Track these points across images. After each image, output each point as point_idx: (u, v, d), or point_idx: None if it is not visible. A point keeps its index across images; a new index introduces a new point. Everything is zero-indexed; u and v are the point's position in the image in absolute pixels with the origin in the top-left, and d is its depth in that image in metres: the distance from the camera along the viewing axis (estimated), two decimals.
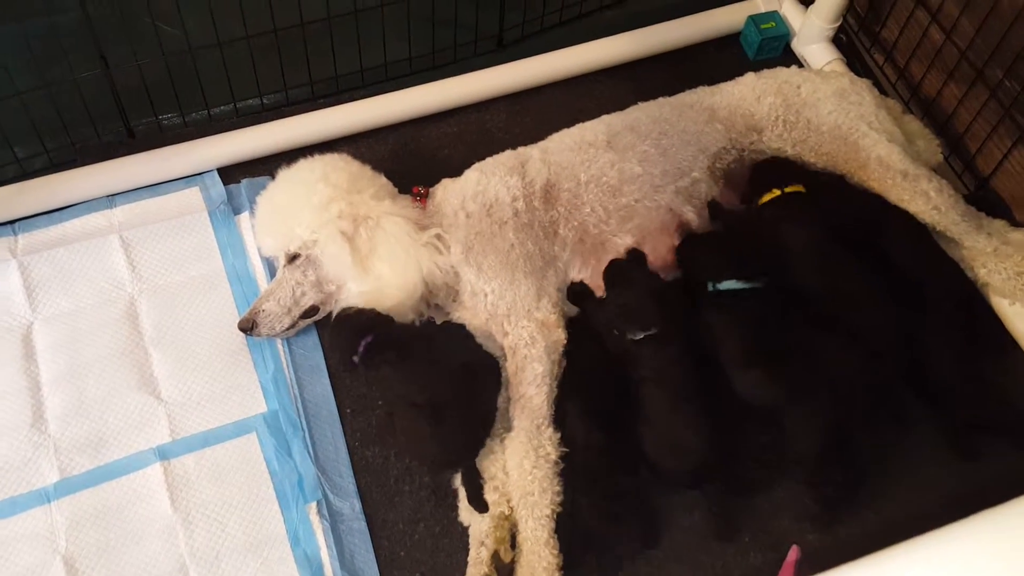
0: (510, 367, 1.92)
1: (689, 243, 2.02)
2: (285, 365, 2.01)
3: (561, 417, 1.86)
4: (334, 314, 1.98)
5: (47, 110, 2.16)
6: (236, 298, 2.10)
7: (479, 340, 1.98)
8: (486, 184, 2.03)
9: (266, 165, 2.26)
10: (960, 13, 2.23)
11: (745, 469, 1.86)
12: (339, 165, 2.03)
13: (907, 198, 2.05)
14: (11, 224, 2.17)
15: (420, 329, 1.99)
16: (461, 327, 1.96)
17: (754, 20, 2.56)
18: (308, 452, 1.90)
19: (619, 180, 2.04)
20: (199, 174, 2.28)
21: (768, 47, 2.56)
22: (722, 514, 1.82)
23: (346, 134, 2.35)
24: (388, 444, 1.93)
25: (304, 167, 2.03)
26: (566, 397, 1.88)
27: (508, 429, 1.86)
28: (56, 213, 2.19)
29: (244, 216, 2.22)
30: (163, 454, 1.89)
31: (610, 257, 2.02)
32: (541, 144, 2.14)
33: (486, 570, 1.73)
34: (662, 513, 1.85)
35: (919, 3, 2.36)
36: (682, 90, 2.25)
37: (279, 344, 2.04)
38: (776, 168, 2.12)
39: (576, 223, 2.02)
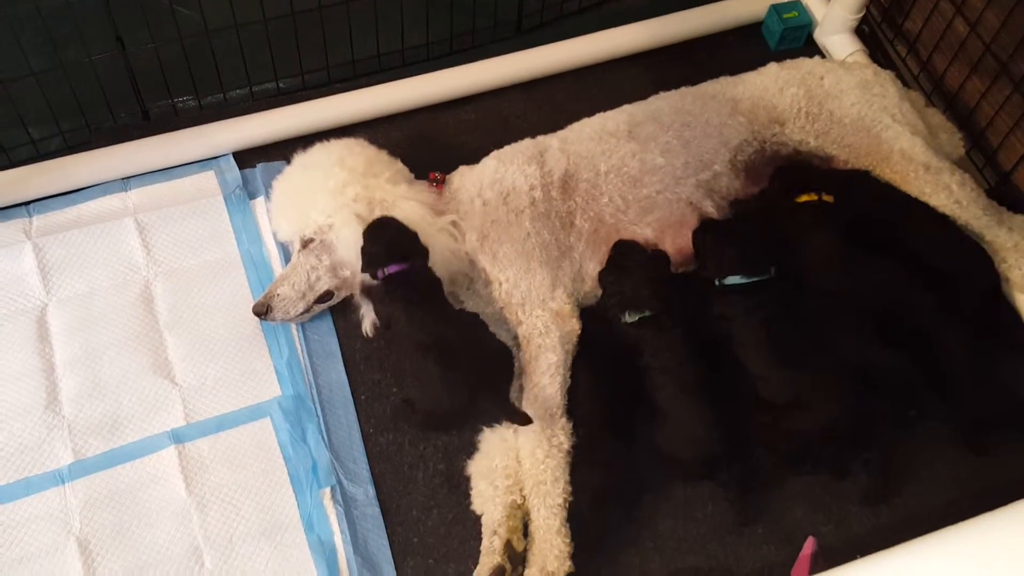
0: (523, 357, 1.91)
1: (702, 231, 1.99)
2: (300, 350, 2.01)
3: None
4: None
5: (63, 91, 2.16)
6: (251, 282, 2.09)
7: (492, 329, 1.98)
8: (504, 172, 2.02)
9: (282, 149, 2.25)
10: (985, 6, 2.20)
11: (758, 458, 1.85)
12: (355, 149, 2.02)
13: (929, 191, 2.04)
14: (26, 206, 2.17)
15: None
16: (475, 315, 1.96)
17: (776, 9, 2.53)
18: (322, 438, 1.90)
19: (640, 171, 2.02)
20: (214, 158, 2.27)
21: (790, 37, 2.54)
22: (738, 501, 1.81)
23: (362, 119, 2.34)
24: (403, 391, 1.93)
25: (320, 151, 2.03)
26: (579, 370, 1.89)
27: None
28: (71, 195, 2.19)
29: (259, 200, 2.21)
30: (177, 437, 1.89)
31: None
32: (561, 133, 2.13)
33: (499, 559, 1.73)
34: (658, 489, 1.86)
35: None
36: (702, 80, 2.24)
37: (294, 329, 2.03)
38: (809, 172, 2.10)
39: (593, 213, 2.01)
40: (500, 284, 1.95)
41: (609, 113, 2.15)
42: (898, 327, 1.88)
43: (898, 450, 1.91)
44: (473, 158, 2.11)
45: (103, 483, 1.84)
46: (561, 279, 1.97)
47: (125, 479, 1.84)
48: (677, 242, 2.02)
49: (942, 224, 2.03)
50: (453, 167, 2.11)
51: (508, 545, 1.74)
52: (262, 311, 1.96)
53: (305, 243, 1.98)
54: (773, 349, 1.82)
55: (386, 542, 1.80)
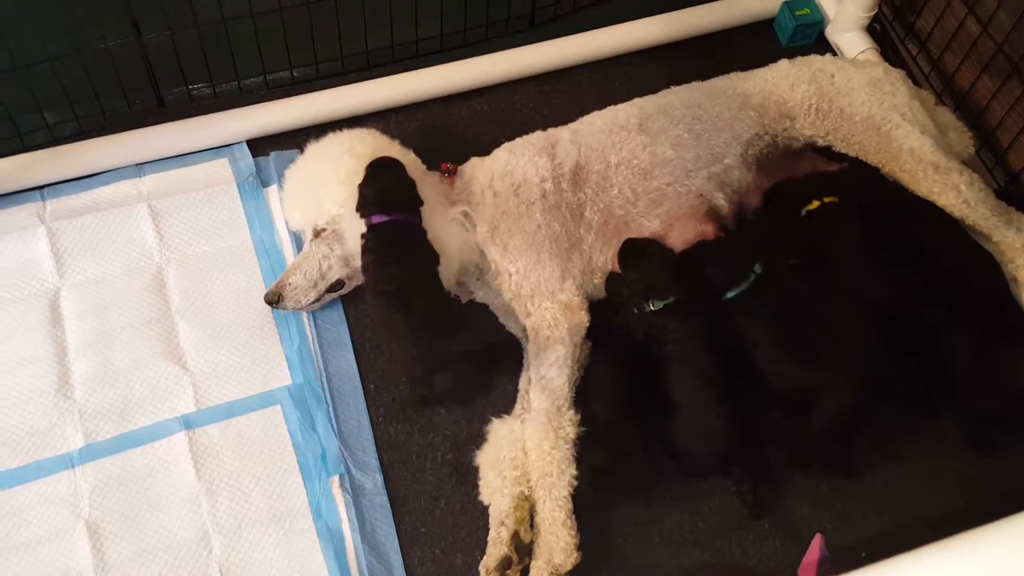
0: (532, 348, 1.92)
1: (692, 259, 1.99)
2: (310, 338, 2.02)
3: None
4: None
5: (78, 76, 2.16)
6: (263, 270, 2.10)
7: (501, 320, 1.99)
8: (515, 164, 2.02)
9: (295, 138, 2.25)
10: (998, 6, 2.20)
11: (768, 453, 1.86)
12: (367, 139, 2.03)
13: (937, 191, 2.04)
14: (40, 190, 2.17)
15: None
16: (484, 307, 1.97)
17: (789, 6, 2.53)
18: (332, 426, 1.91)
19: (650, 163, 2.03)
20: (228, 145, 2.27)
21: (802, 34, 2.54)
22: (750, 495, 1.83)
23: (375, 109, 2.34)
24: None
25: (332, 141, 2.03)
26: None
27: (527, 410, 1.87)
28: (85, 180, 2.20)
29: (272, 189, 2.22)
30: (188, 423, 1.90)
31: None
32: (572, 126, 2.13)
33: (506, 550, 1.74)
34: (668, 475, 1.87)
35: None
36: (714, 75, 2.24)
37: (304, 317, 2.04)
38: (805, 183, 2.11)
39: (603, 205, 2.01)
40: (510, 275, 1.96)
41: (620, 106, 2.15)
42: (908, 326, 1.89)
43: (905, 450, 1.92)
44: (485, 149, 2.11)
45: (113, 467, 1.85)
46: (571, 271, 1.97)
47: (135, 464, 1.85)
48: (685, 235, 2.03)
49: (949, 224, 2.04)
50: (465, 158, 2.12)
51: (515, 536, 1.75)
52: (274, 299, 1.97)
53: (317, 232, 1.99)
54: (783, 344, 1.83)
55: (394, 531, 1.81)
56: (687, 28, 2.52)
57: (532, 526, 1.78)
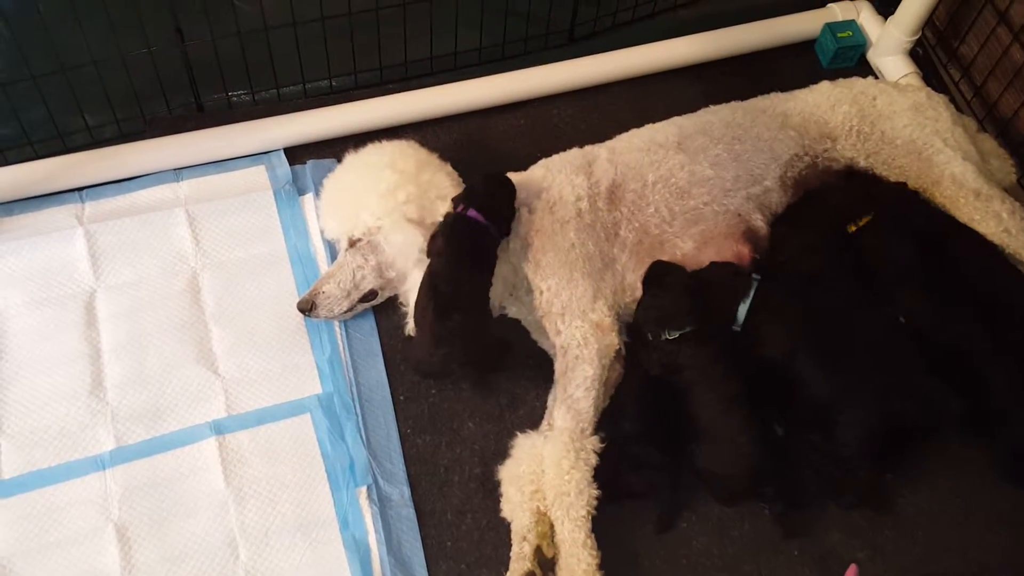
0: (559, 367, 1.91)
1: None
2: (342, 348, 2.02)
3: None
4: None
5: (120, 80, 2.18)
6: (296, 278, 2.10)
7: (533, 337, 1.99)
8: (551, 181, 2.02)
9: (332, 147, 2.26)
10: None
11: (802, 478, 1.84)
12: (407, 152, 2.03)
13: (978, 218, 2.03)
14: (79, 191, 2.19)
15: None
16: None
17: (831, 28, 2.52)
18: (360, 436, 1.91)
19: (688, 182, 2.02)
20: (265, 153, 2.28)
21: (843, 56, 2.52)
22: (784, 516, 1.81)
23: (412, 121, 2.35)
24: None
25: (372, 152, 2.04)
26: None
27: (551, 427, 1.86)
28: (123, 183, 2.21)
29: (308, 197, 2.22)
30: (218, 429, 1.90)
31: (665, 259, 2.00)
32: (609, 143, 2.12)
33: (529, 565, 1.73)
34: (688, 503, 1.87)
35: (1001, 20, 2.32)
36: (753, 95, 2.23)
37: (336, 327, 2.04)
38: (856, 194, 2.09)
39: (638, 224, 2.00)
40: (541, 292, 1.95)
41: (659, 124, 2.15)
42: (949, 354, 1.88)
43: (939, 480, 1.90)
44: (522, 164, 2.11)
45: (143, 471, 1.85)
46: (603, 291, 1.96)
47: (165, 468, 1.86)
48: (721, 255, 2.01)
49: (990, 251, 2.02)
50: (502, 172, 2.11)
51: (538, 551, 1.74)
52: (306, 308, 1.97)
53: (352, 242, 1.99)
54: (819, 364, 1.83)
55: (420, 544, 1.81)
56: (727, 47, 2.52)
57: (554, 541, 1.77)
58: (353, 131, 2.29)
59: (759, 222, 2.04)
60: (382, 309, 2.07)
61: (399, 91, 2.37)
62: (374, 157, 2.01)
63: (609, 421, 1.87)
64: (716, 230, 2.02)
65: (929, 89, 2.29)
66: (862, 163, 2.13)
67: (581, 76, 2.43)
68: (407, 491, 1.86)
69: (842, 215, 2.04)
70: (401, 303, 2.03)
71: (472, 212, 1.89)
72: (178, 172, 2.24)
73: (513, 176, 2.09)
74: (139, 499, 1.82)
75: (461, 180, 2.07)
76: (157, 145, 2.24)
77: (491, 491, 1.86)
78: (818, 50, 2.58)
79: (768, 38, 2.55)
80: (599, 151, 2.09)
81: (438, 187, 1.99)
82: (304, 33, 2.21)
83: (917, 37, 2.45)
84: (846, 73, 2.30)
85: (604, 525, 1.77)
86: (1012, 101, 2.31)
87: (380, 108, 2.33)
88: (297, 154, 2.29)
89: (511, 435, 1.89)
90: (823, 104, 2.15)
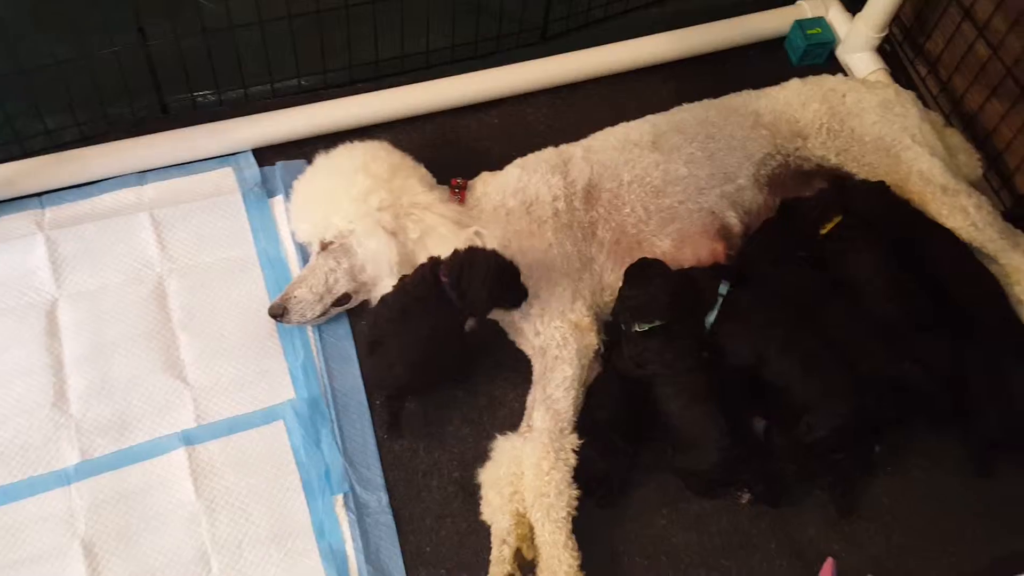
0: (538, 368, 1.90)
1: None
2: (315, 353, 1.98)
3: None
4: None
5: (80, 81, 2.12)
6: (267, 283, 2.06)
7: (511, 338, 1.96)
8: (527, 181, 2.00)
9: (301, 148, 2.23)
10: (1008, 29, 2.22)
11: (778, 469, 1.85)
12: (379, 155, 2.00)
13: (946, 213, 2.04)
14: (38, 197, 2.13)
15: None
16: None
17: (800, 25, 2.53)
18: (336, 443, 1.87)
19: (663, 181, 2.01)
20: (233, 154, 2.24)
21: (813, 53, 2.53)
22: (763, 495, 1.83)
23: (384, 120, 2.31)
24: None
25: (344, 154, 2.01)
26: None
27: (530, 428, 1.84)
28: (85, 188, 2.15)
29: (278, 199, 2.18)
30: (188, 439, 1.85)
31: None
32: (584, 142, 2.12)
33: (509, 568, 1.71)
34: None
35: (966, 17, 2.34)
36: (724, 92, 2.23)
37: (309, 331, 2.00)
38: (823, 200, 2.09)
39: (615, 224, 2.00)
40: None
41: (633, 123, 2.14)
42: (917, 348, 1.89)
43: (911, 470, 1.92)
44: (496, 164, 2.09)
45: (110, 484, 1.80)
46: (581, 291, 1.95)
47: (133, 481, 1.81)
48: (698, 253, 2.01)
49: (956, 246, 2.04)
50: (475, 172, 2.10)
51: (518, 554, 1.73)
52: (278, 312, 1.93)
53: (324, 245, 1.96)
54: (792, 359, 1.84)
55: (398, 551, 1.78)
56: (699, 45, 2.51)
57: (534, 543, 1.75)
58: (323, 131, 2.25)
59: (733, 220, 2.04)
60: (357, 312, 2.03)
61: (370, 90, 2.33)
62: (346, 159, 1.98)
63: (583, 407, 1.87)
64: (692, 228, 2.01)
65: (897, 86, 2.31)
66: (832, 161, 2.14)
67: (555, 74, 2.42)
68: (385, 497, 1.83)
69: (811, 220, 2.04)
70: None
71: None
72: (142, 175, 2.18)
73: (488, 175, 2.08)
74: (106, 514, 1.77)
75: (435, 181, 2.04)
76: (120, 148, 2.18)
77: (470, 495, 1.83)
78: (788, 47, 2.58)
79: (739, 35, 2.55)
80: (574, 150, 2.08)
81: (411, 192, 1.96)
82: (271, 31, 2.17)
83: (885, 34, 2.47)
84: (816, 70, 2.31)
85: (582, 525, 1.75)
86: (977, 96, 2.34)
87: (351, 108, 2.29)
88: (266, 155, 2.25)
89: (490, 438, 1.87)
90: (794, 102, 2.16)
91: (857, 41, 2.49)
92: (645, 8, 2.60)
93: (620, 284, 1.96)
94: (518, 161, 2.08)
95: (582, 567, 1.71)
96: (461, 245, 1.89)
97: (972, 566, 1.81)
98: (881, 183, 2.07)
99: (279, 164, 2.23)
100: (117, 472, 1.81)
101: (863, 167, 2.13)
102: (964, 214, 2.03)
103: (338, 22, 2.20)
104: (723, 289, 1.89)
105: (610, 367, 1.93)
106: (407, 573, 1.76)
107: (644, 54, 2.47)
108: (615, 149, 2.06)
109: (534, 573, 1.72)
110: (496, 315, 2.01)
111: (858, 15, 2.49)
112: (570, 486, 1.75)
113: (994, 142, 2.31)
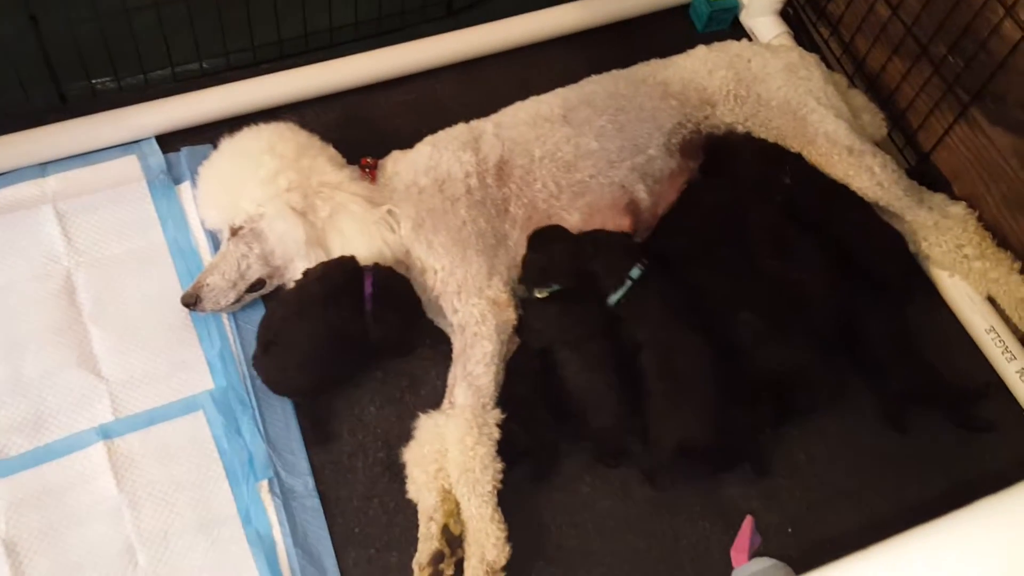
0: (458, 345, 1.91)
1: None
2: (232, 341, 1.96)
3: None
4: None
5: None
6: (179, 272, 2.03)
7: (429, 316, 1.97)
8: (439, 159, 1.99)
9: (206, 133, 2.18)
10: None
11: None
12: (286, 135, 1.97)
13: (852, 173, 2.09)
14: None
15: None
16: None
17: None
18: (258, 429, 1.87)
19: (575, 156, 2.02)
20: (136, 142, 2.18)
21: (717, 19, 2.55)
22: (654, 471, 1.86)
23: (291, 101, 2.28)
24: None
25: (249, 136, 1.97)
26: None
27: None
28: None
29: (185, 186, 2.14)
30: (106, 433, 1.83)
31: None
32: (495, 118, 2.11)
33: (437, 544, 1.73)
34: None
35: None
36: (633, 62, 2.24)
37: (225, 319, 1.98)
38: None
39: (527, 200, 2.00)
40: (435, 272, 1.94)
41: (543, 97, 2.14)
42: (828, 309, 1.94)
43: (827, 427, 1.97)
44: (407, 141, 2.08)
45: (29, 482, 1.77)
46: (497, 267, 1.96)
47: (52, 478, 1.78)
48: (607, 226, 2.03)
49: (858, 205, 2.10)
50: (386, 151, 2.08)
51: (445, 529, 1.74)
52: (191, 301, 1.90)
53: (234, 231, 1.93)
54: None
55: (326, 533, 1.78)
56: (605, 14, 2.51)
57: (461, 518, 1.77)
58: (228, 115, 2.20)
59: (642, 193, 2.06)
60: (272, 298, 2.01)
61: (274, 71, 2.29)
62: (251, 141, 1.94)
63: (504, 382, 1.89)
64: (601, 202, 2.03)
65: (801, 49, 2.34)
66: (740, 127, 2.17)
67: (462, 49, 2.40)
68: (311, 481, 1.83)
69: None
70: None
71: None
72: (43, 167, 2.12)
73: (398, 153, 2.07)
74: (26, 512, 1.74)
75: (344, 161, 2.03)
76: (18, 140, 2.11)
77: (396, 474, 1.84)
78: (692, 14, 2.60)
79: (645, 4, 2.55)
80: (485, 126, 2.08)
81: (320, 172, 1.94)
82: (169, 13, 2.11)
83: None
84: (721, 36, 2.33)
85: (509, 497, 1.78)
86: (880, 56, 2.38)
87: (255, 90, 2.25)
88: (170, 141, 2.20)
89: (413, 417, 1.87)
90: (701, 70, 2.18)
91: (760, 5, 2.51)
92: None
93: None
94: (428, 139, 2.06)
95: (509, 539, 1.73)
96: (371, 225, 1.89)
97: (887, 514, 1.87)
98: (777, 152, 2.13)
99: (184, 150, 2.18)
100: (35, 470, 1.78)
101: (771, 131, 2.17)
102: (870, 173, 2.08)
103: (238, 1, 2.15)
104: (635, 272, 1.91)
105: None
106: (336, 554, 1.76)
107: (551, 25, 2.46)
108: (526, 124, 2.05)
109: (462, 547, 1.74)
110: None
111: None
112: (494, 460, 1.77)
113: (897, 101, 2.36)
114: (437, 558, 1.71)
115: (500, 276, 1.95)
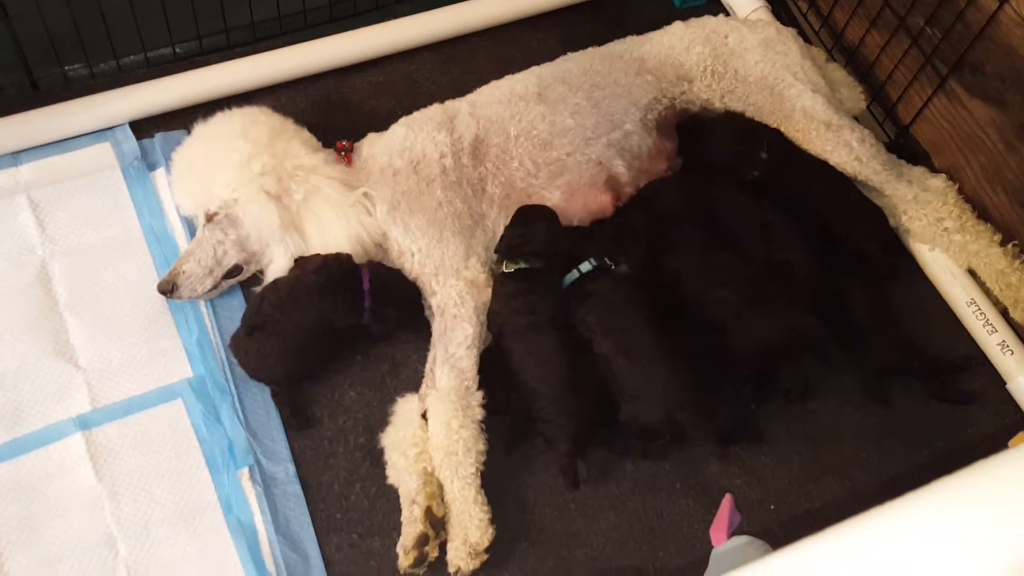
0: (438, 328, 1.90)
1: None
2: (210, 328, 1.95)
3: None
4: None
5: None
6: (155, 259, 2.01)
7: None
8: (413, 140, 1.98)
9: (181, 118, 2.16)
10: None
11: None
12: (259, 119, 1.96)
13: (830, 148, 2.08)
14: None
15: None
16: None
17: None
18: (238, 416, 1.86)
19: (550, 133, 2.01)
20: (110, 128, 2.16)
21: None
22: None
23: (265, 85, 2.26)
24: None
25: (222, 121, 1.96)
26: None
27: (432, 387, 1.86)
28: None
29: (160, 172, 2.12)
30: (84, 423, 1.82)
31: None
32: (470, 97, 2.09)
33: (421, 527, 1.72)
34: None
35: None
36: (610, 39, 2.22)
37: (202, 306, 1.97)
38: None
39: (504, 179, 1.99)
40: (412, 255, 1.93)
41: (518, 76, 2.12)
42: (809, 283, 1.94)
43: (808, 403, 1.96)
44: (383, 123, 2.06)
45: (7, 474, 1.76)
46: (475, 248, 1.95)
47: (30, 469, 1.77)
48: (588, 205, 2.03)
49: (839, 181, 2.09)
50: (363, 133, 2.07)
51: (428, 512, 1.73)
52: (168, 289, 1.89)
53: (210, 217, 1.91)
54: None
55: (308, 520, 1.78)
56: None
57: (443, 500, 1.77)
58: (202, 99, 2.18)
59: (621, 169, 2.05)
60: (250, 284, 2.00)
61: (248, 54, 2.27)
62: (224, 126, 1.93)
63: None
64: (580, 180, 2.02)
65: (778, 23, 2.33)
66: (717, 104, 2.16)
67: (437, 28, 2.38)
68: (291, 468, 1.82)
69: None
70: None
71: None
72: (16, 156, 2.10)
73: (374, 136, 2.05)
74: (5, 505, 1.73)
75: (319, 144, 2.01)
76: None
77: (377, 459, 1.84)
78: None
79: None
80: (460, 105, 2.06)
81: (294, 155, 1.93)
82: None
83: None
84: (698, 12, 2.31)
85: (491, 479, 1.78)
86: (858, 29, 2.37)
87: (229, 74, 2.22)
88: (144, 128, 2.18)
89: (394, 401, 1.87)
90: (677, 46, 2.17)
91: None
92: None
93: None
94: (403, 120, 2.05)
95: (492, 520, 1.73)
96: (347, 209, 1.88)
97: (869, 487, 1.88)
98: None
99: (158, 136, 2.16)
100: (13, 461, 1.77)
101: (749, 107, 2.16)
102: (848, 148, 2.07)
103: None
104: (584, 267, 1.91)
105: None
106: (319, 540, 1.76)
107: (527, 3, 2.44)
108: (501, 103, 2.04)
109: (446, 529, 1.74)
110: None
111: None
112: (477, 442, 1.77)
113: (876, 74, 2.35)
114: (422, 541, 1.71)
115: (478, 256, 1.94)
